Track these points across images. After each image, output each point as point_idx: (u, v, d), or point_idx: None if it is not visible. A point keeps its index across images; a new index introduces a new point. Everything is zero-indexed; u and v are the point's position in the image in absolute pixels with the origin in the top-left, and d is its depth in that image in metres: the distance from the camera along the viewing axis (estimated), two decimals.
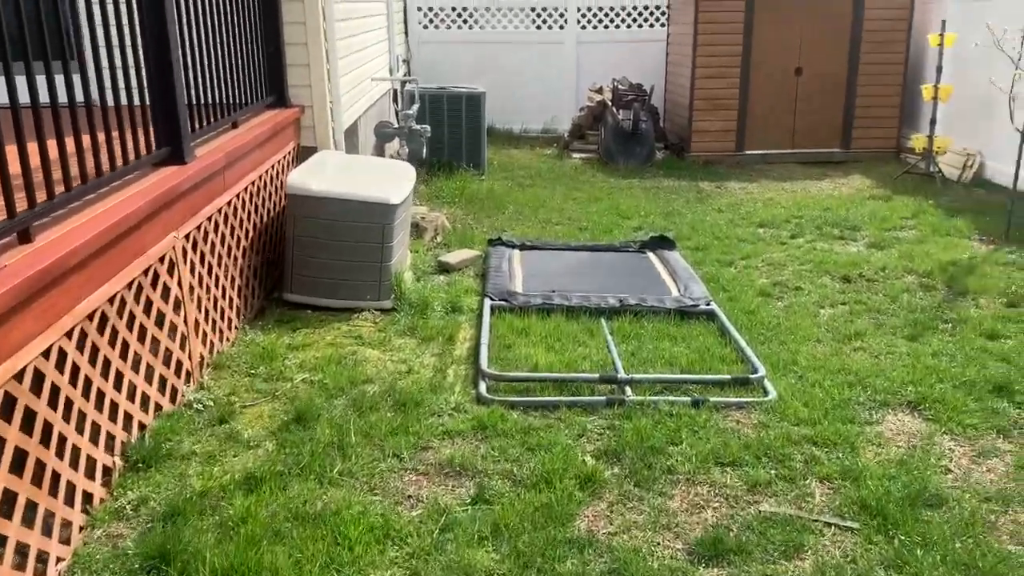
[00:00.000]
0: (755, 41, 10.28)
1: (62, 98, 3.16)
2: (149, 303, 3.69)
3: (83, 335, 3.12)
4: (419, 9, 12.24)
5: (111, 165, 3.59)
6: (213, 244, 4.52)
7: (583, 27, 12.31)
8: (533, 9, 12.68)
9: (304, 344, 4.73)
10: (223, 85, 5.08)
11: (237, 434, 3.72)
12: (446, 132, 9.37)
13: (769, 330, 5.04)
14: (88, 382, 3.16)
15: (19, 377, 2.70)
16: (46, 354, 2.85)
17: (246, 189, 5.11)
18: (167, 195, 3.83)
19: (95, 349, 3.21)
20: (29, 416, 2.76)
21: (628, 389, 4.17)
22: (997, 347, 4.76)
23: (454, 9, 12.53)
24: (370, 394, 4.14)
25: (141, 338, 3.60)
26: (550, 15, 12.32)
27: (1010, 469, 3.56)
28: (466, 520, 3.16)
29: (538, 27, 12.42)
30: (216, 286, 4.56)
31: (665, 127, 11.41)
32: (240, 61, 5.38)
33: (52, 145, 3.08)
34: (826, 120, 10.61)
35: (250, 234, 5.16)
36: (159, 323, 3.78)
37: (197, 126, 4.62)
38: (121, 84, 3.72)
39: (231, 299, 4.77)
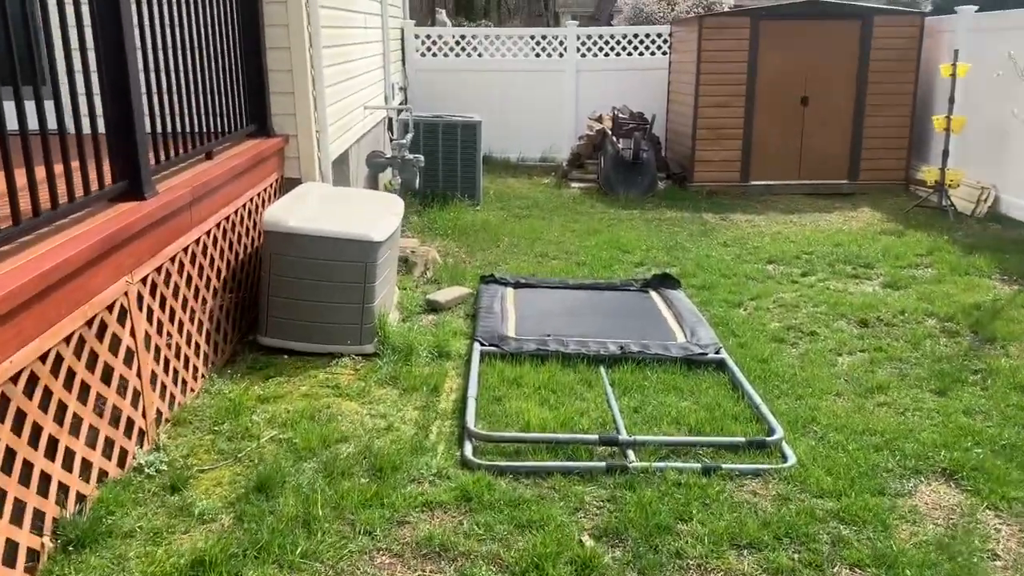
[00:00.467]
0: (760, 70, 9.98)
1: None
2: (94, 357, 3.29)
3: (5, 399, 2.71)
4: (416, 36, 11.95)
5: (52, 202, 3.20)
6: (176, 287, 4.13)
7: (583, 55, 12.01)
8: (532, 37, 12.40)
9: (276, 395, 4.32)
10: (196, 113, 4.71)
11: (190, 506, 3.29)
12: (441, 162, 9.01)
13: (784, 381, 4.63)
14: (11, 452, 2.75)
15: None
16: None
17: (218, 225, 4.72)
18: (119, 235, 3.44)
19: (20, 414, 2.80)
20: None
21: (631, 452, 3.76)
22: None
23: (452, 36, 12.25)
24: (344, 456, 3.72)
25: (82, 397, 3.19)
26: (549, 43, 12.02)
27: None
28: None
29: (537, 55, 12.12)
30: (180, 332, 4.16)
31: (667, 156, 11.07)
32: (216, 87, 5.02)
33: None
34: (833, 151, 10.27)
35: (222, 274, 4.77)
36: (106, 378, 3.37)
37: (163, 157, 4.25)
38: (69, 111, 3.34)
39: (197, 346, 4.37)
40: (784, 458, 3.75)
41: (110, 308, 3.41)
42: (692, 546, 3.13)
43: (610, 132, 10.44)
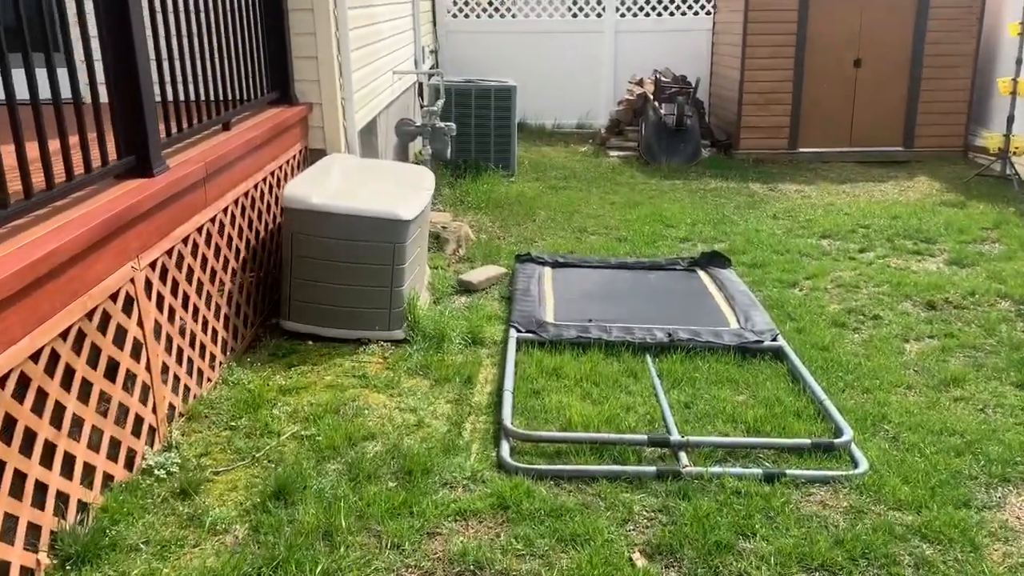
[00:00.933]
0: (810, 30, 9.41)
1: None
2: (96, 351, 3.00)
3: None
4: None
5: (47, 182, 2.90)
6: (190, 270, 3.83)
7: (622, 15, 11.47)
8: None
9: (298, 386, 4.02)
10: (212, 79, 4.39)
11: (202, 514, 3.01)
12: (473, 129, 8.61)
13: (848, 372, 4.24)
14: (0, 464, 2.48)
15: None
16: None
17: (236, 202, 4.41)
18: (123, 216, 3.14)
19: (10, 420, 2.53)
20: None
21: (683, 455, 3.41)
22: None
23: None
24: (370, 456, 3.42)
25: (84, 396, 2.92)
26: (587, 2, 11.49)
27: None
28: None
29: (574, 15, 11.59)
30: (195, 318, 3.87)
31: (710, 122, 10.57)
32: (235, 51, 4.68)
33: None
34: (887, 116, 9.70)
35: (241, 254, 4.47)
36: (110, 374, 3.09)
37: (175, 129, 3.94)
38: (66, 77, 3.02)
39: (214, 332, 4.08)
40: (855, 463, 3.38)
41: (114, 297, 3.11)
42: (756, 567, 2.79)
43: (651, 97, 9.95)
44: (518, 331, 4.52)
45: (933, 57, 9.48)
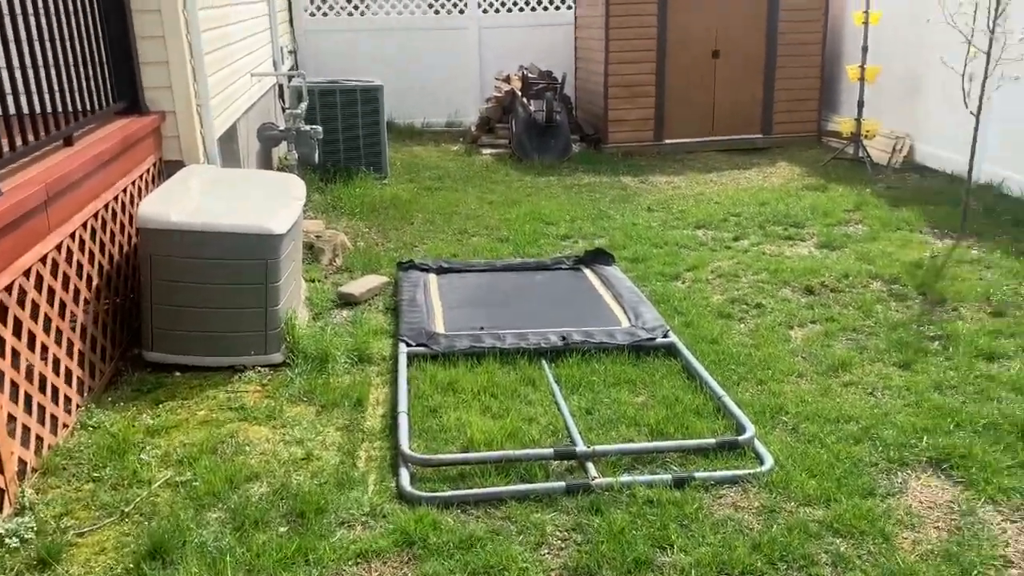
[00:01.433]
0: (670, 23, 9.56)
1: None
2: None
3: None
4: None
5: None
6: (35, 305, 3.40)
7: (484, 11, 11.34)
8: None
9: (168, 425, 3.66)
10: (50, 90, 3.94)
11: None
12: (341, 132, 8.26)
13: (740, 364, 4.25)
14: None
15: None
16: None
17: (85, 225, 3.98)
18: None
19: None
20: None
21: (591, 466, 3.29)
22: (1003, 373, 4.09)
23: None
24: (256, 499, 3.13)
25: None
26: None
27: None
28: None
29: (436, 12, 11.38)
30: (44, 358, 3.45)
31: (578, 117, 10.59)
32: (73, 59, 4.22)
33: None
34: (746, 105, 9.99)
35: (94, 282, 4.04)
36: None
37: (7, 148, 3.49)
38: None
39: (68, 373, 3.66)
40: (760, 460, 3.35)
41: None
42: None
43: (520, 93, 9.87)
44: (408, 345, 4.30)
45: (785, 47, 9.81)
